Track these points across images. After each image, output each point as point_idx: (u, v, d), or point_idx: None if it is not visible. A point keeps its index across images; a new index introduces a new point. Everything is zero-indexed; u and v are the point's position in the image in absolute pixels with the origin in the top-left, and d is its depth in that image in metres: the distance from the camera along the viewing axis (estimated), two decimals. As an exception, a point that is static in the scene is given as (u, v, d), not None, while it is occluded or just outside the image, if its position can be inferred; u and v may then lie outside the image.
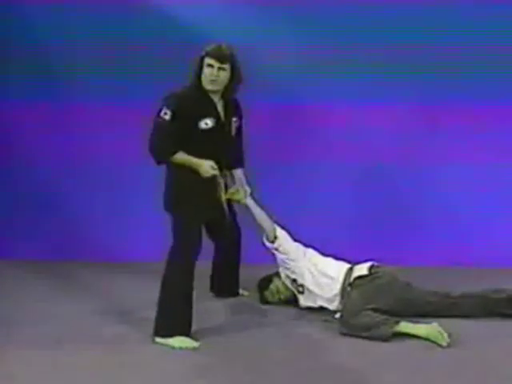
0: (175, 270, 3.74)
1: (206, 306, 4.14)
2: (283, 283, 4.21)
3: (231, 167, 4.17)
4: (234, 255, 4.38)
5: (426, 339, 3.53)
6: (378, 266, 3.98)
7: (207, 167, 3.77)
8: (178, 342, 3.62)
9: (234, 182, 4.22)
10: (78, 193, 5.39)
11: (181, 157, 3.75)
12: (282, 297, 4.24)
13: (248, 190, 4.23)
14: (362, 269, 3.95)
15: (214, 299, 4.35)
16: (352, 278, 3.91)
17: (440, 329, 3.53)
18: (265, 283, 4.29)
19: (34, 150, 5.41)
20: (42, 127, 5.36)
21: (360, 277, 3.90)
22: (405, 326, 3.61)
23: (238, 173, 4.24)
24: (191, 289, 3.74)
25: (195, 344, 3.61)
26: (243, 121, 4.13)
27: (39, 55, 5.27)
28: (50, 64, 5.29)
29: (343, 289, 3.91)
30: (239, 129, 4.12)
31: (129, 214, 5.34)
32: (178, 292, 3.71)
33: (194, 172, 3.78)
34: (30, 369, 3.31)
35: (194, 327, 3.69)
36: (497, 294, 3.85)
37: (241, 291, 4.48)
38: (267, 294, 4.27)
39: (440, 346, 3.47)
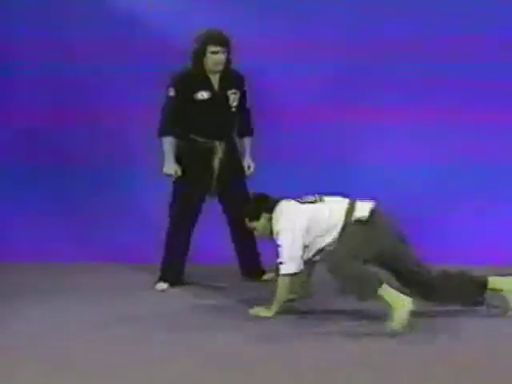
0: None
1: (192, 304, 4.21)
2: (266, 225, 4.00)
3: (239, 136, 4.63)
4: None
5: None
6: (379, 210, 3.85)
7: (169, 171, 4.44)
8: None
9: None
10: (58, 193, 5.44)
11: (166, 145, 4.43)
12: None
13: (252, 164, 4.55)
14: (363, 209, 3.83)
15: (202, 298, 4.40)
16: (353, 219, 3.81)
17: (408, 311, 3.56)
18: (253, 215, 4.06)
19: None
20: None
21: (360, 220, 3.80)
22: (388, 294, 3.61)
23: (245, 142, 4.66)
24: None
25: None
26: (246, 94, 4.55)
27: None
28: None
29: (344, 225, 3.82)
30: (242, 101, 4.52)
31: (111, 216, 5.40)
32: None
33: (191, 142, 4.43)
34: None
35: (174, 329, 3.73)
36: (473, 277, 3.84)
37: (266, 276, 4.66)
38: (253, 224, 4.08)
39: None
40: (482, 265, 4.58)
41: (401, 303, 3.58)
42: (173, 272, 4.59)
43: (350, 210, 3.83)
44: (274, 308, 3.93)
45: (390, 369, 3.17)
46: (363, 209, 3.83)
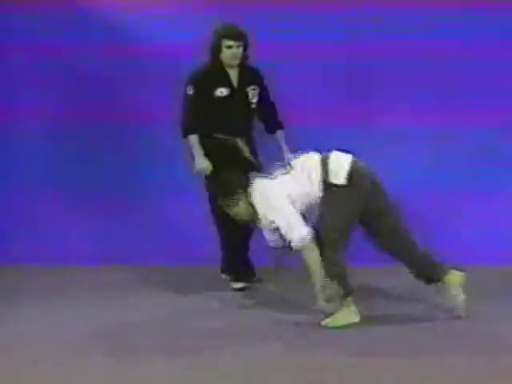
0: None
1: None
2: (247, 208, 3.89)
3: (270, 131, 4.60)
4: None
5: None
6: (356, 169, 3.76)
7: (202, 165, 4.32)
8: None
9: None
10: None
11: (192, 143, 4.34)
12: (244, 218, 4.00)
13: (291, 157, 4.32)
14: (339, 173, 3.74)
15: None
16: (330, 182, 3.74)
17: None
18: (230, 200, 3.92)
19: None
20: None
21: (336, 185, 3.73)
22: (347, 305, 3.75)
23: (278, 136, 4.60)
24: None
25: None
26: (267, 88, 4.52)
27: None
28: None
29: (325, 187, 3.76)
30: (264, 96, 4.50)
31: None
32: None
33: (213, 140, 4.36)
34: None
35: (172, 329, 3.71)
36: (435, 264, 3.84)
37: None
38: (235, 210, 3.95)
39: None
40: (481, 265, 4.62)
41: (350, 316, 3.75)
42: (239, 270, 4.54)
43: (325, 169, 3.75)
44: (322, 295, 3.81)
45: (389, 369, 3.17)
46: (340, 173, 3.73)
